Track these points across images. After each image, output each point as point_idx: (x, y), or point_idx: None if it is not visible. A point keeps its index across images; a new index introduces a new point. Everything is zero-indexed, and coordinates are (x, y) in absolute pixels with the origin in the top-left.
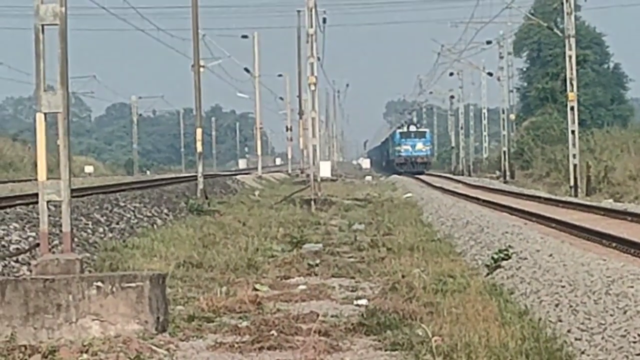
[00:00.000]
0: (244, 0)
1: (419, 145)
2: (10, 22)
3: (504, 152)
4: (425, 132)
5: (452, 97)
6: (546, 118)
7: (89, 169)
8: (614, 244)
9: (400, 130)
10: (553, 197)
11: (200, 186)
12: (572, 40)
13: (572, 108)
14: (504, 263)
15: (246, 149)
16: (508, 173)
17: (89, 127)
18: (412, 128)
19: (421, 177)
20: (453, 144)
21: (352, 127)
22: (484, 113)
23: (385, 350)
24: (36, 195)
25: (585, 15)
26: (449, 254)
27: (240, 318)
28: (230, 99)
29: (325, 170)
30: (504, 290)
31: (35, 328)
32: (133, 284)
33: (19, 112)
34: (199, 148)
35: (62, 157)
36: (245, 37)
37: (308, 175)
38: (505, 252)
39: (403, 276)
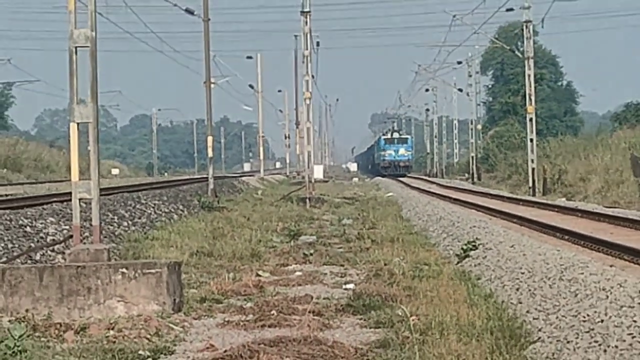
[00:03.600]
0: (249, 26)
1: (402, 151)
2: (47, 44)
3: (472, 157)
4: (407, 138)
5: (427, 109)
6: (508, 128)
7: (115, 171)
8: (566, 237)
9: (385, 137)
10: (514, 196)
11: (211, 186)
12: (531, 61)
13: (530, 119)
14: (472, 253)
15: (250, 154)
16: (475, 175)
17: (115, 135)
18: (396, 135)
19: (401, 179)
20: (428, 150)
21: (341, 135)
22: (455, 124)
23: (370, 328)
24: (70, 194)
25: (542, 40)
26: (424, 245)
27: (245, 300)
28: (236, 111)
29: (318, 172)
30: (472, 276)
31: (68, 308)
32: (153, 271)
33: (55, 122)
34: (210, 153)
35: (92, 161)
36: (250, 58)
37: (303, 177)
38: (473, 244)
39: (385, 264)
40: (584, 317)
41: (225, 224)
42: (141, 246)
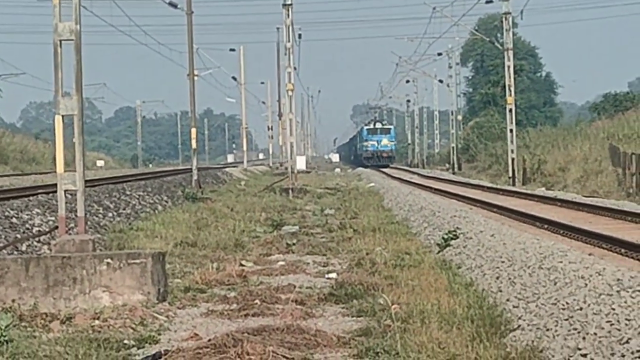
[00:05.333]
0: (232, 19)
1: (385, 141)
2: (32, 37)
3: (453, 147)
4: (390, 128)
5: (408, 101)
6: (488, 119)
7: (100, 163)
8: (545, 226)
9: (367, 127)
10: (494, 186)
11: (195, 177)
12: (510, 53)
13: (510, 110)
14: (452, 242)
15: (234, 146)
16: (456, 166)
17: (100, 127)
18: (378, 125)
19: (383, 169)
20: (409, 141)
21: (323, 126)
22: (436, 114)
23: (352, 317)
24: (55, 185)
25: (521, 32)
26: (406, 235)
27: (228, 289)
28: (220, 103)
29: (300, 163)
30: (453, 265)
31: (54, 298)
32: (137, 261)
33: (41, 114)
34: (194, 145)
35: (77, 153)
36: (232, 50)
37: (286, 168)
38: (454, 233)
39: (367, 253)
40: (563, 305)
41: (209, 214)
42: (126, 237)
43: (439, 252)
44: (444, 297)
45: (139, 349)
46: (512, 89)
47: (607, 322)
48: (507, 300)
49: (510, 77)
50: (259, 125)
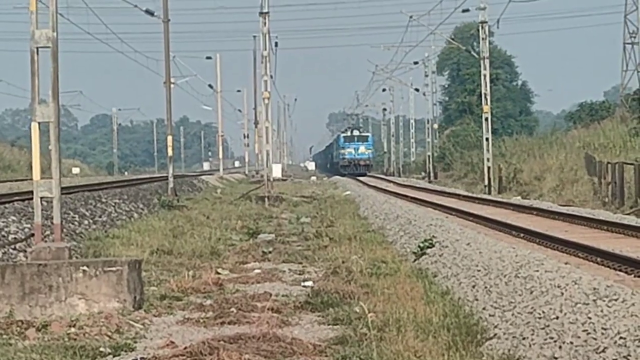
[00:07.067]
0: (208, 27)
1: (362, 149)
2: (9, 45)
3: (429, 156)
4: (367, 136)
5: (384, 109)
6: (464, 127)
7: (75, 170)
8: (521, 234)
9: (344, 135)
10: (470, 194)
11: (171, 185)
12: (487, 61)
13: (486, 119)
14: (428, 251)
15: (210, 153)
16: (432, 174)
17: (76, 135)
18: (356, 132)
19: (359, 178)
20: (385, 149)
21: (299, 134)
22: (412, 123)
23: (328, 325)
24: (31, 192)
25: (497, 40)
26: (382, 243)
27: (204, 297)
28: (196, 111)
29: (276, 171)
30: (429, 274)
31: (30, 306)
32: (113, 268)
33: (17, 121)
34: (170, 152)
35: (53, 160)
36: (209, 58)
37: (262, 176)
38: (430, 241)
39: (343, 262)
40: (540, 313)
41: (185, 222)
42: (102, 244)
43: (414, 260)
44: (420, 306)
45: (114, 356)
46: (488, 97)
47: (584, 331)
48: (483, 308)
49: (486, 86)
50: (235, 133)
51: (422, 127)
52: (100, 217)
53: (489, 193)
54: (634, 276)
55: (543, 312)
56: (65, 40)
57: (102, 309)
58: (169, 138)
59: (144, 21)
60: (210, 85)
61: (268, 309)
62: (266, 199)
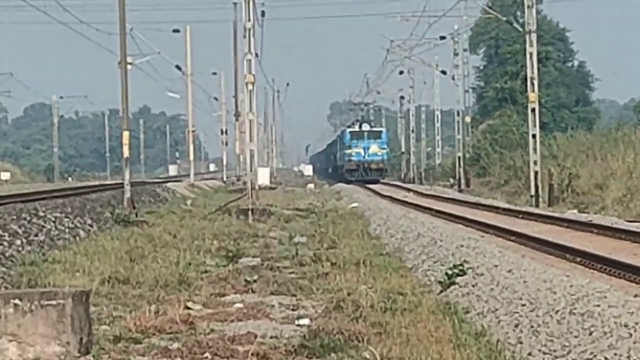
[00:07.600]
0: None
1: (374, 148)
2: None
3: (459, 157)
4: (381, 131)
5: (402, 97)
6: (504, 121)
7: (5, 175)
8: (578, 259)
9: (351, 130)
10: (512, 207)
11: (127, 195)
12: (533, 36)
13: (532, 110)
14: (458, 279)
15: (177, 154)
16: (463, 181)
17: (5, 130)
18: (366, 127)
19: (370, 185)
20: (403, 149)
21: (293, 130)
22: (437, 115)
23: None
24: None
25: (547, 9)
26: (398, 270)
27: (170, 339)
28: (160, 99)
29: (263, 177)
30: (459, 309)
31: None
32: (54, 302)
33: None
34: (126, 153)
35: None
36: (176, 31)
37: (245, 183)
38: (460, 268)
39: (349, 293)
40: None
41: (145, 242)
42: (39, 271)
43: (441, 292)
44: (447, 350)
45: None
46: (536, 82)
47: None
48: (529, 354)
49: (533, 68)
50: (210, 128)
51: (450, 120)
52: (36, 236)
53: (537, 205)
54: None
55: (606, 358)
56: None
57: (39, 354)
58: (125, 134)
59: None
60: (177, 67)
61: (252, 355)
62: (250, 213)
